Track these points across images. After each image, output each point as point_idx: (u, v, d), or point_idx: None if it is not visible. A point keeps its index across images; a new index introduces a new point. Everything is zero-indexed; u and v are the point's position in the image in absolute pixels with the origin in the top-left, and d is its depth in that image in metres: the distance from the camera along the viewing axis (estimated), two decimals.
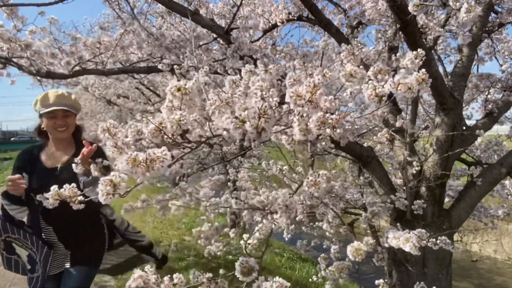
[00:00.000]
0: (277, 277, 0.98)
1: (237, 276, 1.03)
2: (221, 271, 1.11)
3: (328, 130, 0.86)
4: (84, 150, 1.77)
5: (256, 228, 1.11)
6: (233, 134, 0.86)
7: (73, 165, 1.36)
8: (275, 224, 1.13)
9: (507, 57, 3.51)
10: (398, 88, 0.88)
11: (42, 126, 2.09)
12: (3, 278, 4.68)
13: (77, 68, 2.92)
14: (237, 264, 1.04)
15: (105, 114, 9.75)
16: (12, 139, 62.65)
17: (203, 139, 0.93)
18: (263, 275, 1.05)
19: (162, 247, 6.05)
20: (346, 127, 0.91)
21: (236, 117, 0.84)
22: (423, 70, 0.89)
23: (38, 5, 2.71)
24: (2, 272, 4.87)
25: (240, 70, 2.90)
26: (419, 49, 1.03)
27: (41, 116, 2.08)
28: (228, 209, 2.61)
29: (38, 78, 3.06)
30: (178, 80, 2.85)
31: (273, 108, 0.86)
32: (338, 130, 0.86)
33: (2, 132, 73.43)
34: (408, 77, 0.88)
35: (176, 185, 3.44)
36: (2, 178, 15.32)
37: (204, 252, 2.85)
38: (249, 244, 1.11)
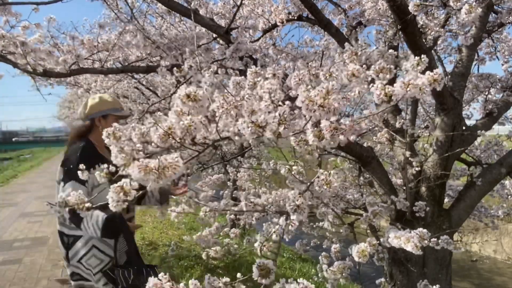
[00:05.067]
0: (301, 278, 0.98)
1: (255, 279, 1.03)
2: (238, 275, 1.11)
3: (341, 137, 0.86)
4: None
5: (273, 230, 1.10)
6: (248, 139, 0.85)
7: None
8: (292, 225, 1.13)
9: (507, 57, 3.51)
10: (408, 89, 0.87)
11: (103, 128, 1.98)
12: (3, 278, 4.68)
13: (74, 66, 2.90)
14: (254, 267, 1.03)
15: None
16: (14, 139, 62.51)
17: (207, 141, 0.93)
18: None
19: (162, 247, 6.04)
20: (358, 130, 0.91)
21: (253, 122, 0.83)
22: (436, 70, 0.89)
23: (37, 3, 2.70)
24: (2, 272, 4.87)
25: (240, 70, 2.91)
26: (422, 55, 1.03)
27: (104, 116, 2.11)
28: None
29: (33, 76, 3.04)
30: (178, 81, 2.84)
31: (286, 112, 0.86)
32: (352, 137, 0.86)
33: (2, 132, 73.36)
34: (419, 78, 0.88)
35: (176, 185, 3.45)
36: (2, 178, 15.31)
37: (202, 255, 2.86)
38: (264, 245, 1.10)
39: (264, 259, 1.04)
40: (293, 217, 1.06)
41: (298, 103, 0.85)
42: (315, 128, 0.87)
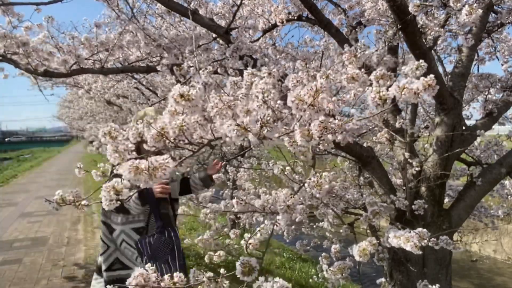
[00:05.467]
0: (277, 277, 0.98)
1: (238, 276, 1.03)
2: (222, 271, 1.10)
3: (330, 136, 0.85)
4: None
5: (258, 228, 1.10)
6: (235, 141, 0.86)
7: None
8: (277, 225, 1.13)
9: (507, 57, 3.51)
10: (403, 93, 0.87)
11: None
12: (3, 278, 4.68)
13: (75, 67, 2.90)
14: (237, 264, 1.03)
15: (104, 114, 9.75)
16: (6, 139, 62.40)
17: (204, 141, 0.93)
18: (263, 275, 1.04)
19: None
20: (347, 129, 0.90)
21: (238, 125, 0.83)
22: (431, 75, 0.88)
23: (37, 3, 2.70)
24: (2, 272, 4.87)
25: (240, 70, 2.90)
26: (420, 60, 1.03)
27: None
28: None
29: (34, 76, 3.05)
30: (178, 81, 2.84)
31: (275, 111, 0.85)
32: (339, 137, 0.86)
33: (2, 132, 73.45)
34: (414, 82, 0.88)
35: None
36: (2, 178, 15.32)
37: (205, 258, 2.88)
38: (250, 244, 1.10)
39: (250, 257, 1.04)
40: (279, 217, 1.06)
41: (288, 102, 0.85)
42: (304, 128, 0.87)
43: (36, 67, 2.77)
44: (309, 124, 0.89)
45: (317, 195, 0.97)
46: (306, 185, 1.00)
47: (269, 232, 1.18)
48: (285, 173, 1.87)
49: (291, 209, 1.01)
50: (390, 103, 0.91)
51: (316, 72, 1.03)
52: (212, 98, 0.90)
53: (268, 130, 0.84)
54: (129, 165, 0.80)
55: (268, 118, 0.84)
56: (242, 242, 1.16)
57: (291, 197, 1.00)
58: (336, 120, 0.87)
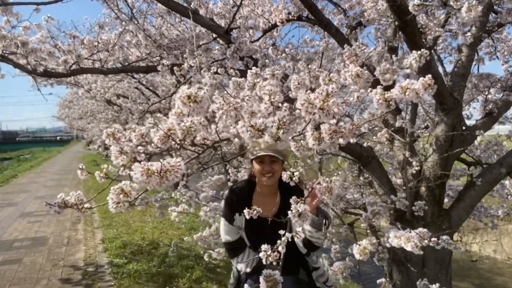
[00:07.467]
0: None
1: None
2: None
3: (341, 140, 0.85)
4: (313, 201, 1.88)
5: (279, 242, 1.06)
6: (247, 142, 0.86)
7: (290, 213, 1.25)
8: (297, 237, 1.12)
9: (507, 56, 3.51)
10: (406, 94, 0.87)
11: (252, 171, 2.23)
12: (3, 278, 4.68)
13: (75, 66, 2.90)
14: (261, 278, 1.02)
15: (106, 114, 9.76)
16: (17, 139, 62.29)
17: (207, 142, 0.93)
18: None
19: (162, 247, 6.05)
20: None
21: (252, 126, 0.84)
22: (429, 75, 0.89)
23: (37, 3, 2.70)
24: (2, 272, 4.87)
25: (240, 71, 2.90)
26: (423, 49, 1.03)
27: (251, 161, 2.18)
28: None
29: (33, 76, 3.04)
30: (178, 81, 2.82)
31: (285, 116, 0.86)
32: (351, 140, 0.86)
33: (2, 132, 73.49)
34: (415, 83, 0.88)
35: (176, 186, 3.44)
36: (2, 178, 15.32)
37: (204, 256, 2.88)
38: (269, 256, 1.07)
39: (270, 270, 1.03)
40: (298, 229, 1.04)
41: (297, 105, 0.86)
42: (315, 131, 0.88)
43: (35, 67, 2.76)
44: (317, 129, 0.90)
45: (328, 201, 0.97)
46: (316, 190, 0.99)
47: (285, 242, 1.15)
48: (293, 179, 1.87)
49: (303, 216, 1.00)
50: (394, 105, 0.91)
51: (318, 73, 1.04)
52: (216, 99, 0.90)
53: (284, 132, 0.84)
54: (140, 167, 0.80)
55: (285, 119, 0.84)
56: (261, 254, 1.13)
57: (302, 205, 0.99)
58: (348, 124, 0.88)
